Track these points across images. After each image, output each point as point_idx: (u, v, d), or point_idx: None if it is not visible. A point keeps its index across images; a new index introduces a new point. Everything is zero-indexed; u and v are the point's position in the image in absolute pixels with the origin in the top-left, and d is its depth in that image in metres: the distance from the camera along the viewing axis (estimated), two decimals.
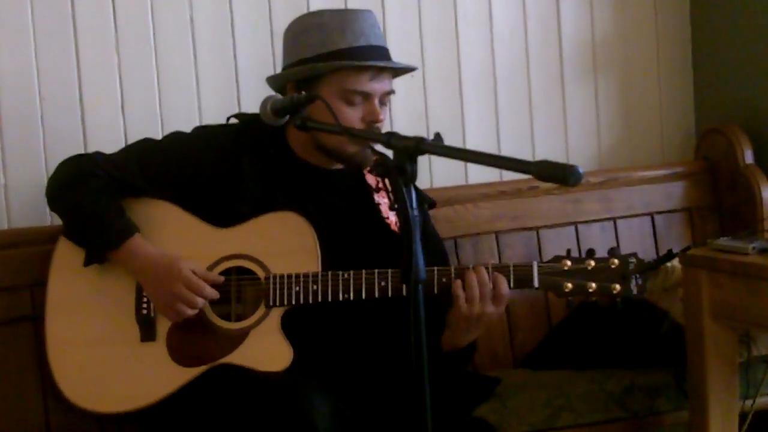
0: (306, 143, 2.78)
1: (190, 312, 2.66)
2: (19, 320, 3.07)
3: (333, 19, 2.73)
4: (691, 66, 4.05)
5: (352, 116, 2.68)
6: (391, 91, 2.78)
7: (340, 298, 2.63)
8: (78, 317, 2.78)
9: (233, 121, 2.89)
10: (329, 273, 2.64)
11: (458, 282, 2.59)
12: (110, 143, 3.18)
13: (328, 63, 2.69)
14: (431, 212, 3.01)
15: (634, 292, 2.55)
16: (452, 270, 2.62)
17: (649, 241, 3.77)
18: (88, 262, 2.75)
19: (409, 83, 3.62)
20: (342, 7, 3.54)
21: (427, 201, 2.93)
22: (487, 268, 2.61)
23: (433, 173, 3.67)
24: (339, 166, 2.82)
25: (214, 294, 2.67)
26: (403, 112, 3.66)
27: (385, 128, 2.74)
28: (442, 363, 2.71)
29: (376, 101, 2.72)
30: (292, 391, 2.47)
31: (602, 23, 3.93)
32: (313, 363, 2.66)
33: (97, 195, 2.74)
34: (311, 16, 2.80)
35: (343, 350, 2.74)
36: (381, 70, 2.72)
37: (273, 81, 2.83)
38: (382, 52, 2.76)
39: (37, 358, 2.99)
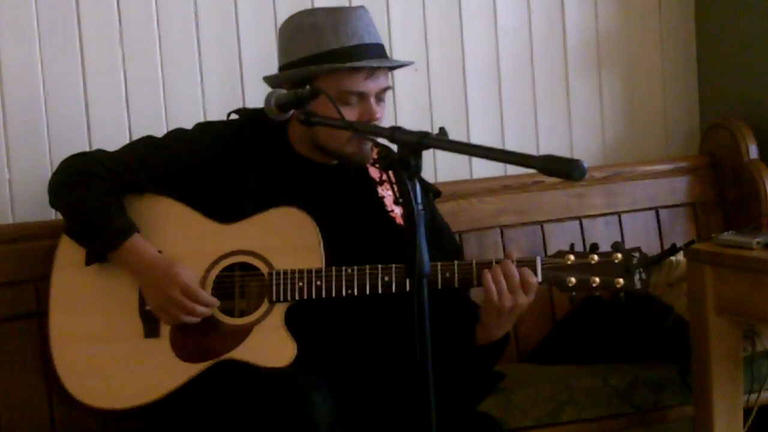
0: (306, 140, 2.78)
1: (185, 318, 2.66)
2: (23, 315, 3.07)
3: (326, 19, 2.72)
4: (695, 60, 4.04)
5: (349, 116, 2.66)
6: (388, 87, 2.77)
7: (344, 293, 2.63)
8: (81, 314, 2.78)
9: (234, 117, 2.89)
10: (333, 268, 2.64)
11: (489, 276, 2.58)
12: (114, 138, 3.20)
13: (322, 66, 2.68)
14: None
15: (638, 286, 2.55)
16: (456, 265, 2.61)
17: (653, 236, 3.77)
18: (88, 262, 2.76)
19: (413, 77, 3.63)
20: (345, 1, 3.54)
21: (431, 190, 2.93)
22: (511, 260, 2.60)
23: (438, 167, 3.68)
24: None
25: (211, 301, 2.67)
26: (408, 106, 3.67)
27: (389, 122, 2.74)
28: (477, 357, 2.72)
29: (372, 100, 2.71)
30: (293, 388, 2.47)
31: (606, 18, 3.93)
32: (316, 359, 2.66)
33: (97, 195, 2.74)
34: (304, 15, 2.78)
35: (346, 346, 2.74)
36: (375, 69, 2.71)
37: (270, 81, 2.83)
38: (377, 50, 2.75)
39: (42, 353, 3.00)
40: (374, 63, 2.71)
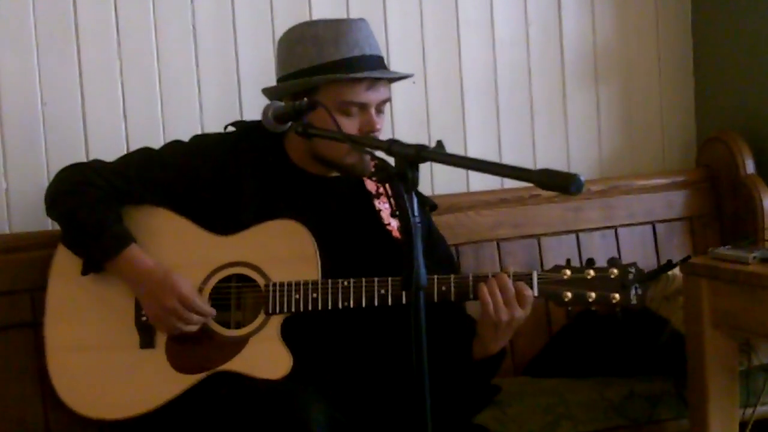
0: (304, 152, 2.78)
1: (184, 328, 2.66)
2: (19, 324, 3.07)
3: (327, 30, 2.72)
4: (692, 74, 4.05)
5: (350, 127, 2.67)
6: (388, 99, 2.77)
7: (340, 306, 2.63)
8: (77, 324, 2.79)
9: (231, 129, 2.89)
10: (329, 281, 2.64)
11: (485, 289, 2.58)
12: (111, 149, 3.19)
13: (323, 76, 2.68)
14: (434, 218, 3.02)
15: (634, 302, 2.55)
16: (452, 278, 2.61)
17: (650, 250, 3.77)
18: (85, 271, 2.75)
19: (410, 90, 3.63)
20: (344, 13, 3.54)
21: (428, 203, 2.94)
22: (507, 274, 2.61)
23: (435, 180, 3.68)
24: (337, 174, 2.81)
25: (208, 310, 2.67)
26: (405, 119, 3.67)
27: (386, 134, 2.74)
28: (474, 371, 2.72)
29: (373, 111, 2.72)
30: (289, 400, 2.47)
31: (603, 31, 3.94)
32: (312, 370, 2.66)
33: (94, 204, 2.74)
34: (305, 26, 2.79)
35: (342, 358, 2.74)
36: (376, 80, 2.72)
37: (269, 93, 2.83)
38: (377, 62, 2.76)
39: (37, 363, 2.99)
40: (376, 74, 2.71)
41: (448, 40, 3.76)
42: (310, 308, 2.64)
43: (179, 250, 2.74)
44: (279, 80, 2.80)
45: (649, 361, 3.28)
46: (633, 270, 2.56)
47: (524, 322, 2.63)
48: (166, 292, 2.64)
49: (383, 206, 2.83)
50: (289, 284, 2.65)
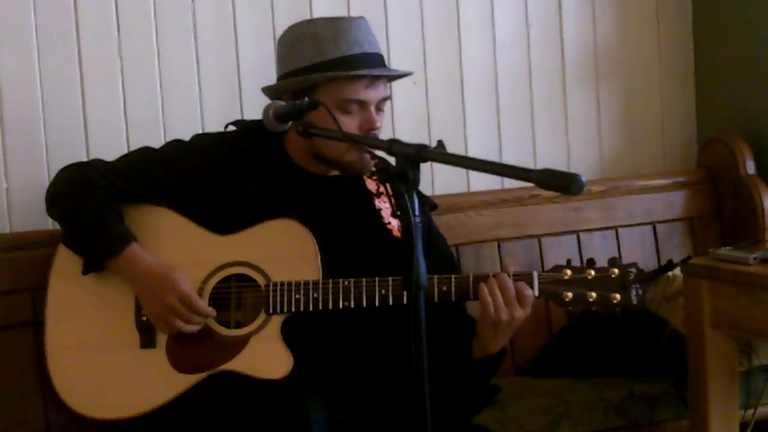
0: (304, 151, 2.78)
1: (184, 327, 2.65)
2: (19, 323, 3.07)
3: (326, 28, 2.73)
4: (693, 74, 4.05)
5: (349, 125, 2.67)
6: (388, 97, 2.77)
7: (341, 305, 2.63)
8: (78, 323, 2.78)
9: (231, 128, 2.89)
10: (330, 281, 2.64)
11: (485, 289, 2.58)
12: (112, 148, 3.19)
13: (323, 73, 2.69)
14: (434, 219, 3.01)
15: (634, 302, 2.55)
16: (452, 278, 2.61)
17: (650, 250, 3.77)
18: (86, 271, 2.75)
19: (411, 89, 3.63)
20: (344, 12, 3.55)
21: (428, 203, 2.94)
22: (508, 274, 2.61)
23: (435, 180, 3.68)
24: (337, 173, 2.81)
25: (208, 311, 2.67)
26: (406, 119, 3.67)
27: (387, 134, 2.74)
28: (473, 371, 2.72)
29: (372, 108, 2.72)
30: (289, 400, 2.47)
31: (604, 31, 3.94)
32: (312, 370, 2.66)
33: (95, 203, 2.74)
34: (305, 24, 2.79)
35: (343, 358, 2.74)
36: (376, 78, 2.72)
37: (269, 91, 2.83)
38: (377, 59, 2.76)
39: (38, 363, 2.99)
40: (375, 71, 2.71)
41: (449, 41, 3.76)
42: (310, 308, 2.64)
43: (179, 250, 2.74)
44: (279, 78, 2.80)
45: (649, 362, 3.28)
46: (633, 270, 2.56)
47: (524, 323, 2.62)
48: (167, 290, 2.63)
49: (383, 205, 2.83)
50: (290, 284, 2.65)
